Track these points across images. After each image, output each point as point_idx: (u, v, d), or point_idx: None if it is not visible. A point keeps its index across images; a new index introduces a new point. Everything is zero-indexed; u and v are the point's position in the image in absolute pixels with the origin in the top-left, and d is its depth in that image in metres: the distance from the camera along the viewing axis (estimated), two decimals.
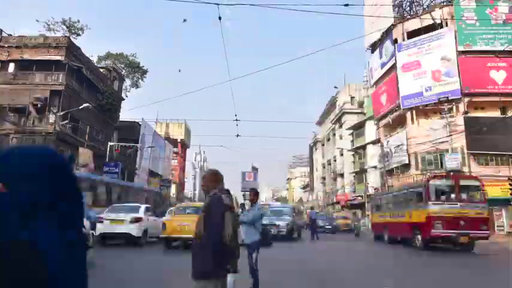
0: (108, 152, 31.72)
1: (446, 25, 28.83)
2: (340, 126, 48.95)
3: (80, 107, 25.67)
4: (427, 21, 29.86)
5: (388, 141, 32.45)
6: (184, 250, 11.25)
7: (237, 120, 24.39)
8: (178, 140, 67.64)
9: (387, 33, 32.57)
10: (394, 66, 31.36)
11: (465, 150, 26.21)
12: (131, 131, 39.28)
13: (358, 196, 40.90)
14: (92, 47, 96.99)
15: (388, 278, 7.94)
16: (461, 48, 27.74)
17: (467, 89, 27.07)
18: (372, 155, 37.84)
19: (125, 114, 50.90)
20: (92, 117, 32.27)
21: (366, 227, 30.63)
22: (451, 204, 13.68)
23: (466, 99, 27.34)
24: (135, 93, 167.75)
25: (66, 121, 26.83)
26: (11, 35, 29.75)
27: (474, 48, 27.64)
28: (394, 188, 24.37)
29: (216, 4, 11.04)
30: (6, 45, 28.27)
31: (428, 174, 27.54)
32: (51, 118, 26.08)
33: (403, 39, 31.00)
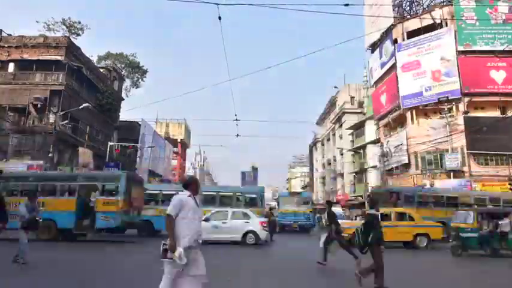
0: (108, 152, 31.73)
1: (446, 25, 28.82)
2: (340, 126, 48.92)
3: (80, 107, 25.68)
4: (427, 21, 29.85)
5: (388, 141, 32.44)
6: None
7: (237, 120, 24.46)
8: (178, 140, 67.57)
9: (387, 33, 32.56)
10: (394, 66, 31.35)
11: (465, 150, 26.20)
12: (131, 131, 39.26)
13: (358, 196, 40.87)
14: (92, 47, 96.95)
15: None
16: (461, 48, 27.74)
17: (467, 89, 27.07)
18: (372, 155, 37.80)
19: (125, 114, 50.91)
20: (91, 117, 32.28)
21: None
22: None
23: (466, 99, 27.34)
24: (135, 93, 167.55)
25: (66, 121, 26.84)
26: (11, 35, 29.77)
27: (474, 48, 27.64)
28: None
29: (215, 4, 11.05)
30: (6, 45, 28.28)
31: (429, 174, 27.64)
32: (51, 118, 26.10)
33: (403, 39, 30.99)
